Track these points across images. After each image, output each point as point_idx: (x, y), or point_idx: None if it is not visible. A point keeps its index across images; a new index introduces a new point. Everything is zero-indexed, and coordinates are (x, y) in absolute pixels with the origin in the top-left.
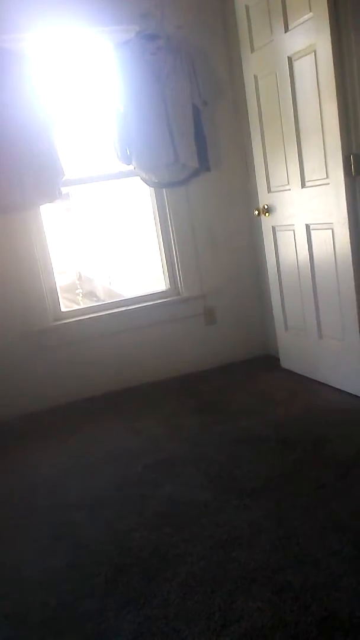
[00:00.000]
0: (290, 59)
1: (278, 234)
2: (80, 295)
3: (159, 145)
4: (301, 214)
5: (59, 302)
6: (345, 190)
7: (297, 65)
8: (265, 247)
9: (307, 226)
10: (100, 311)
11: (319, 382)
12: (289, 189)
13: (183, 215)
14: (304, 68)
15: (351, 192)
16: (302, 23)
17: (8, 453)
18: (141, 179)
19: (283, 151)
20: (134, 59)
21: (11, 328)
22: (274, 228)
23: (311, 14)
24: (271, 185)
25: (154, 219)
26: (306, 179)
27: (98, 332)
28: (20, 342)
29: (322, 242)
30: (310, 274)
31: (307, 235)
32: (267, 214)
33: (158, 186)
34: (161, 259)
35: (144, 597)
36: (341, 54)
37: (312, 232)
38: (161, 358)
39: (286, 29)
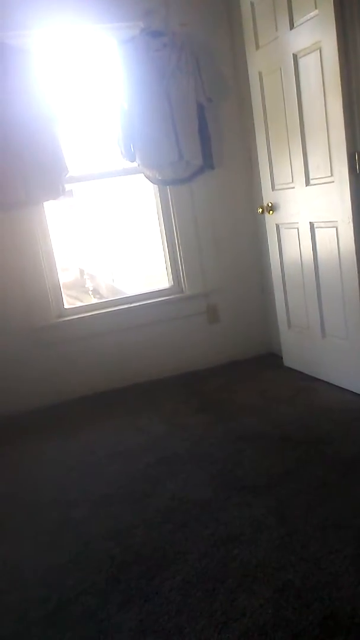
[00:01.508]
0: (295, 56)
1: (282, 232)
2: (91, 291)
3: (163, 143)
4: (305, 212)
5: (62, 299)
6: (350, 188)
7: (302, 62)
8: (269, 245)
9: (311, 224)
10: (103, 308)
11: (322, 381)
12: (293, 187)
13: (187, 212)
14: (309, 65)
15: (356, 190)
16: (307, 20)
17: (11, 449)
18: (145, 176)
19: (287, 149)
20: (139, 56)
21: (14, 324)
22: (277, 226)
23: (317, 11)
24: (275, 183)
25: (158, 216)
26: (310, 177)
27: (101, 329)
28: (23, 338)
29: (326, 240)
30: (313, 272)
31: (311, 234)
32: (271, 212)
33: (162, 184)
34: (164, 257)
35: (145, 594)
36: (347, 51)
37: (316, 230)
38: (164, 356)
39: (291, 26)
